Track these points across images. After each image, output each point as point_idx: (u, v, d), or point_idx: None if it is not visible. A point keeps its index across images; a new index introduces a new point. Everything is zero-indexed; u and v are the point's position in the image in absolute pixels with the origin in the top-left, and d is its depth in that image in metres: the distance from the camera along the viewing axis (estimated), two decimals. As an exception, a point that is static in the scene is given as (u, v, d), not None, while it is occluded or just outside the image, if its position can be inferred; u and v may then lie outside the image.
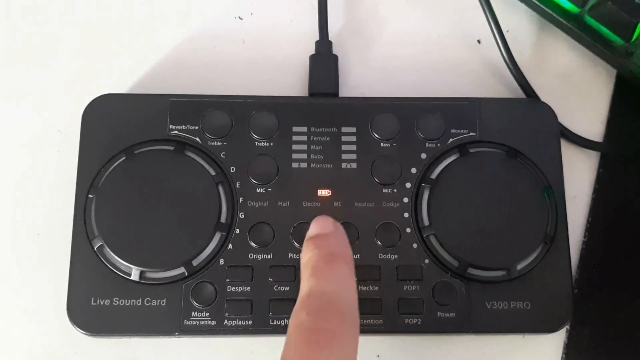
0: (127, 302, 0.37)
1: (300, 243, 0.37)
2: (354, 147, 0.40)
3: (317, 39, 0.43)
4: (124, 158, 0.39)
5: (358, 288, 0.34)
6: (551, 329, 0.39)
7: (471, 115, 0.41)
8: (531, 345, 0.40)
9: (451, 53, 0.45)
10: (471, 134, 0.41)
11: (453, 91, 0.43)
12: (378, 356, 0.40)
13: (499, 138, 0.41)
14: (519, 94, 0.43)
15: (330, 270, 0.32)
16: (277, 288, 0.38)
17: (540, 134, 0.41)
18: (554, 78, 0.45)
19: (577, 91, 0.44)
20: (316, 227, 0.35)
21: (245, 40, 0.44)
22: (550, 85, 0.44)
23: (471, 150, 0.40)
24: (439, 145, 0.40)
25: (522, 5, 0.44)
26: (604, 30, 0.43)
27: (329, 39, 0.43)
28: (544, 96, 0.43)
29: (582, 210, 0.42)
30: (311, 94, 0.42)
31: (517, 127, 0.41)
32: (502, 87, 0.44)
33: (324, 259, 0.33)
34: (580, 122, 0.44)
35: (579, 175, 0.43)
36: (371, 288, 0.38)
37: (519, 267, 0.39)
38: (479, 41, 0.45)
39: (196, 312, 0.37)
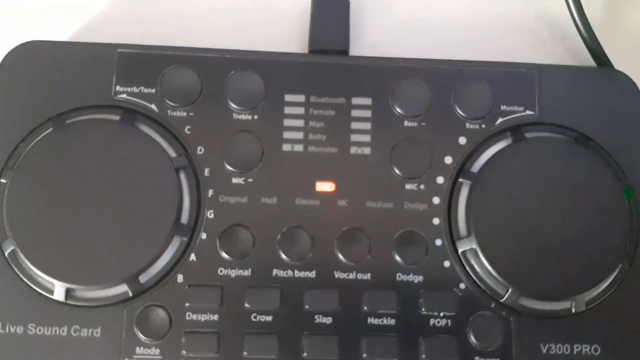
0: (49, 331, 0.33)
1: (291, 255, 0.34)
2: (367, 126, 0.36)
3: (322, -25, 0.40)
4: (52, 129, 0.34)
5: (366, 320, 0.33)
6: (627, 381, 0.35)
7: (528, 87, 0.37)
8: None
9: (500, 4, 0.41)
10: (528, 112, 0.37)
11: (502, 54, 0.39)
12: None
13: (565, 119, 0.37)
14: (587, 61, 0.39)
15: None
16: (255, 317, 0.33)
17: (619, 115, 0.37)
18: (632, 42, 0.41)
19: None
20: None
21: (225, -25, 0.41)
22: (628, 50, 0.40)
23: (528, 135, 0.36)
24: (484, 126, 0.36)
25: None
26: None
27: (339, -24, 0.40)
28: (619, 65, 0.38)
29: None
30: (312, 50, 0.38)
31: (588, 105, 0.37)
32: (565, 52, 0.40)
33: None
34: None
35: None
36: (385, 321, 0.33)
37: (588, 297, 0.34)
38: (536, -10, 0.42)
39: (142, 348, 0.33)
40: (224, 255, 0.34)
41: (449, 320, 0.33)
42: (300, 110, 0.36)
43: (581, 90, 0.37)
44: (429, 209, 0.35)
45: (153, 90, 0.35)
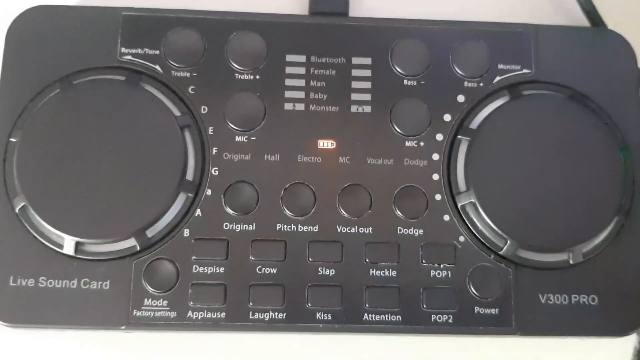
0: (59, 284, 0.33)
1: (293, 210, 0.34)
2: (368, 85, 0.36)
3: None
4: (59, 90, 0.35)
5: (368, 272, 0.33)
6: (622, 331, 0.35)
7: (525, 46, 0.37)
8: (595, 352, 0.36)
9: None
10: (525, 71, 0.37)
11: (498, 15, 0.39)
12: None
13: (561, 77, 0.37)
14: (582, 22, 0.39)
15: None
16: (260, 270, 0.34)
17: (613, 74, 0.37)
18: (626, 3, 0.41)
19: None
20: None
21: None
22: (622, 12, 0.40)
23: (524, 93, 0.36)
24: (482, 85, 0.36)
25: None
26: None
27: None
28: (613, 25, 0.39)
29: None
30: (313, 12, 0.38)
31: (583, 64, 0.37)
32: (560, 14, 0.40)
33: None
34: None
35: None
36: (387, 273, 0.34)
37: (585, 249, 0.34)
38: (531, -49, 0.41)
39: (150, 300, 0.33)
40: (229, 210, 0.34)
41: (449, 272, 0.34)
42: (302, 70, 0.36)
43: (576, 50, 0.37)
44: (429, 165, 0.35)
45: (157, 52, 0.35)
